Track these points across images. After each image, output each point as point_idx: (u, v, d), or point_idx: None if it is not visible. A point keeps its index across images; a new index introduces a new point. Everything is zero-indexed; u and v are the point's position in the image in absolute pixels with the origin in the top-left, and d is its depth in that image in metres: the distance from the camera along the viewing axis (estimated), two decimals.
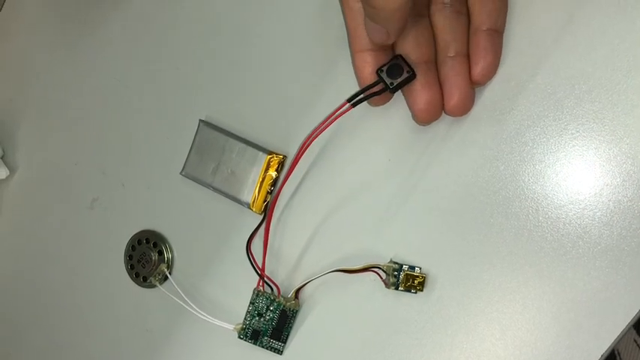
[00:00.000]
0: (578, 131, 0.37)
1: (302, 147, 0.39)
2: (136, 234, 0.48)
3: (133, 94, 0.49)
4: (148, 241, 0.47)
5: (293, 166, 0.39)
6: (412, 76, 0.36)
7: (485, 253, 0.39)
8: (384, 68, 0.37)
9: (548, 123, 0.37)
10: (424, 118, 0.38)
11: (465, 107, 0.37)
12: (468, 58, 0.37)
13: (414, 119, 0.39)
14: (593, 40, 0.36)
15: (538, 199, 0.38)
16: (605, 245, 0.36)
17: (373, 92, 0.37)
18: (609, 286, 0.36)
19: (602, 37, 0.36)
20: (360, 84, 0.39)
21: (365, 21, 0.35)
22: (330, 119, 0.38)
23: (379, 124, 0.41)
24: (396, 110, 0.40)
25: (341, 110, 0.37)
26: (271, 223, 0.42)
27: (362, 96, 0.37)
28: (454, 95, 0.37)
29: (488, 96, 0.38)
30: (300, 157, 0.39)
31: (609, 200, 0.36)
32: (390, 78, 0.36)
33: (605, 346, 0.37)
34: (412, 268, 0.39)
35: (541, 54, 0.37)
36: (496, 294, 0.38)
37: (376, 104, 0.39)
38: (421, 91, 0.37)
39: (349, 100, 0.37)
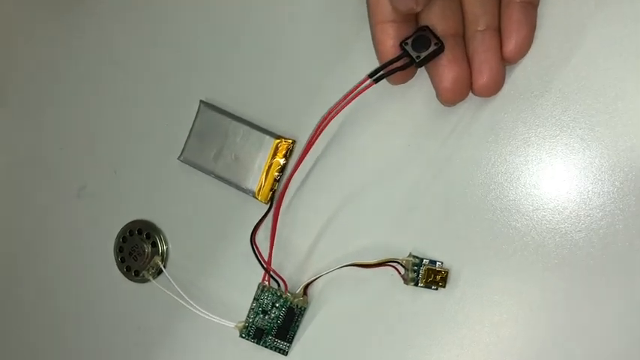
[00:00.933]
0: (612, 117, 0.34)
1: (317, 128, 0.36)
2: (127, 224, 0.45)
3: (127, 73, 0.45)
4: (140, 232, 0.44)
5: (307, 150, 0.36)
6: (440, 49, 0.33)
7: (513, 247, 0.36)
8: (409, 41, 0.34)
9: (586, 105, 0.34)
10: (450, 98, 0.35)
11: (495, 86, 0.34)
12: (498, 32, 0.34)
13: (438, 99, 0.36)
14: (633, 16, 0.34)
15: (573, 191, 0.35)
16: None
17: (397, 67, 0.34)
18: None
19: None
20: (380, 59, 0.36)
21: None
22: (350, 97, 0.35)
23: (398, 106, 0.38)
24: (417, 90, 0.37)
25: (362, 87, 0.34)
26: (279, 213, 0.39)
27: (385, 71, 0.34)
28: (484, 73, 0.34)
29: (520, 75, 0.36)
30: (315, 140, 0.36)
31: None
32: (415, 51, 0.33)
33: None
34: (433, 262, 0.37)
35: (578, 30, 0.35)
36: (524, 291, 0.36)
37: (398, 81, 0.36)
38: (447, 67, 0.34)
39: (371, 76, 0.34)
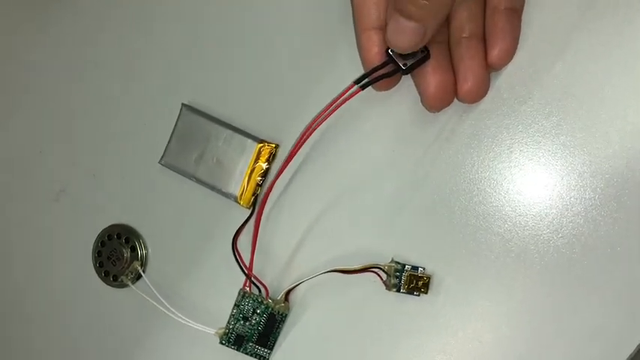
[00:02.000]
0: (594, 123, 0.34)
1: (303, 135, 0.35)
2: (106, 228, 0.43)
3: (107, 74, 0.44)
4: (119, 237, 0.43)
5: (291, 157, 0.36)
6: (427, 57, 0.33)
7: (495, 253, 0.36)
8: None
9: (569, 112, 0.34)
10: (435, 104, 0.34)
11: (479, 93, 0.34)
12: (483, 40, 0.34)
13: (423, 104, 0.35)
14: (616, 26, 0.34)
15: (555, 198, 0.35)
16: None
17: (383, 74, 0.34)
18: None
19: (627, 23, 0.34)
20: (365, 66, 0.35)
21: (394, 22, 0.31)
22: (336, 104, 0.34)
23: (382, 112, 0.38)
24: (401, 96, 0.37)
25: (348, 93, 0.34)
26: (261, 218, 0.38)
27: (371, 78, 0.34)
28: (468, 79, 0.33)
29: (503, 81, 0.35)
30: (299, 148, 0.35)
31: None
32: (402, 59, 0.33)
33: None
34: (415, 268, 0.36)
35: (562, 37, 0.35)
36: (507, 297, 0.35)
37: (383, 88, 0.36)
38: (432, 73, 0.34)
39: (357, 82, 0.34)
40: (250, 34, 0.40)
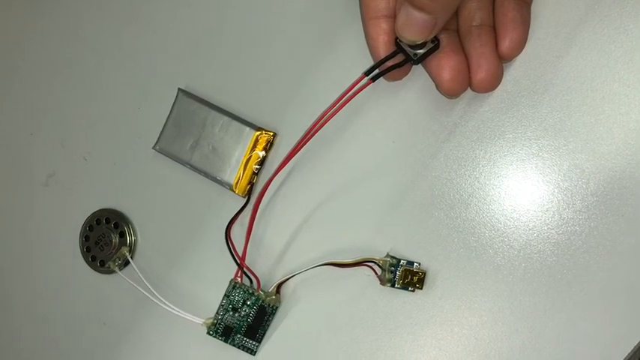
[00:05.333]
0: (597, 120, 0.33)
1: (312, 128, 0.34)
2: (94, 212, 0.42)
3: (102, 57, 0.42)
4: (108, 221, 0.41)
5: (297, 149, 0.34)
6: (437, 46, 0.32)
7: (494, 248, 0.34)
8: None
9: (573, 107, 0.33)
10: (452, 88, 0.33)
11: (493, 80, 0.33)
12: (493, 28, 0.32)
13: (440, 91, 0.34)
14: (621, 21, 0.33)
15: (557, 193, 0.34)
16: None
17: (394, 64, 0.32)
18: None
19: (633, 18, 0.33)
20: (373, 55, 0.34)
21: (404, 14, 0.31)
22: (347, 97, 0.33)
23: (382, 103, 0.36)
24: (403, 87, 0.36)
25: (358, 86, 0.33)
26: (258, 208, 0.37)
27: (381, 69, 0.33)
28: (482, 66, 0.32)
29: (507, 75, 0.34)
30: (308, 140, 0.34)
31: None
32: (412, 48, 0.32)
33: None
34: (411, 263, 0.35)
35: (567, 32, 0.34)
36: (504, 294, 0.34)
37: (394, 78, 0.35)
38: (446, 58, 0.32)
39: (367, 74, 0.33)
40: (250, 20, 0.39)
